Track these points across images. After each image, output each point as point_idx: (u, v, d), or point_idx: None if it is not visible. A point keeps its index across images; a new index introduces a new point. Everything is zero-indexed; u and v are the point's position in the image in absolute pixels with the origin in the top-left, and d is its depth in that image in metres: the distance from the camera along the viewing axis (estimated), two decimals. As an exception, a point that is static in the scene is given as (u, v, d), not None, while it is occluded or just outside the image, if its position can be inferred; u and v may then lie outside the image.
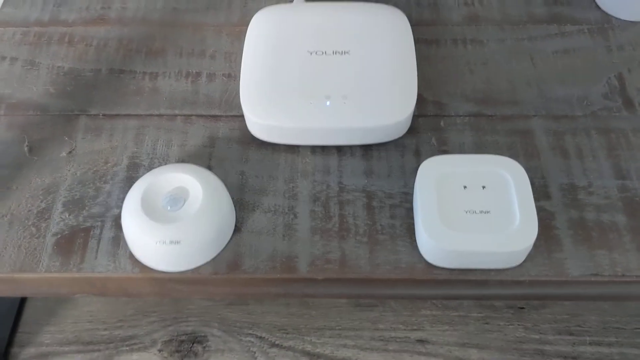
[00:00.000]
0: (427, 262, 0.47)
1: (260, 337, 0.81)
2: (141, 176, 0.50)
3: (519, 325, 0.80)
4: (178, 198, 0.47)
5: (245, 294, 0.50)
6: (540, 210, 0.49)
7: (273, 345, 0.80)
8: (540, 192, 0.51)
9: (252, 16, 0.59)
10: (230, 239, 0.49)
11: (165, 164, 0.53)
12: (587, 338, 0.78)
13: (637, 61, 0.59)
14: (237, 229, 0.49)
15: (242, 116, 0.55)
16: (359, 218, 0.50)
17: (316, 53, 0.55)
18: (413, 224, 0.49)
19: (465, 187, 0.47)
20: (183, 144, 0.55)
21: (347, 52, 0.55)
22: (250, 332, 0.81)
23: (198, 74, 0.60)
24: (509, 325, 0.80)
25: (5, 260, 0.48)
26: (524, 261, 0.47)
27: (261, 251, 0.48)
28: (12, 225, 0.50)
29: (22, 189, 0.52)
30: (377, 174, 0.52)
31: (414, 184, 0.50)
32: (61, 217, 0.50)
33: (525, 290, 0.48)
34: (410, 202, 0.51)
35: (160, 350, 0.80)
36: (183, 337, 0.81)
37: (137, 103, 0.58)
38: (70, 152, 0.54)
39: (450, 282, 0.47)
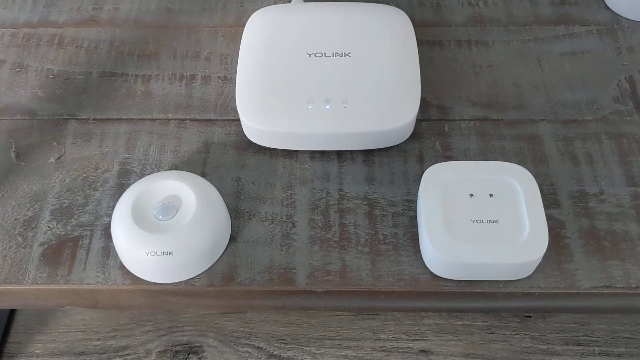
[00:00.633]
0: (431, 274, 0.46)
1: (258, 347, 0.80)
2: (132, 183, 0.49)
3: (525, 334, 0.79)
4: (170, 207, 0.46)
5: (241, 306, 0.48)
6: (549, 218, 0.48)
7: (271, 355, 0.79)
8: (550, 200, 0.49)
9: (249, 17, 0.58)
10: (225, 249, 0.47)
11: (158, 170, 0.52)
12: (596, 348, 0.77)
13: (648, 63, 0.58)
14: (232, 239, 0.48)
15: (238, 120, 0.53)
16: (360, 227, 0.48)
17: (315, 55, 0.53)
18: (417, 234, 0.48)
19: (471, 195, 0.46)
20: (176, 150, 0.53)
21: (347, 54, 0.53)
22: (247, 342, 0.80)
23: (192, 77, 0.58)
24: (515, 334, 0.79)
25: (-11, 272, 0.47)
26: (534, 272, 0.46)
27: (258, 262, 0.47)
28: (-3, 234, 0.48)
29: (9, 196, 0.51)
30: (379, 181, 0.51)
31: (417, 191, 0.48)
32: (49, 226, 0.49)
33: (534, 302, 0.46)
34: (414, 210, 0.49)
35: (154, 361, 0.78)
36: (178, 348, 0.80)
37: (128, 107, 0.56)
38: (59, 157, 0.53)
39: (456, 295, 0.46)
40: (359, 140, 0.51)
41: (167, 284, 0.46)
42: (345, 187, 0.51)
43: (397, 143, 0.52)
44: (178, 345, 0.80)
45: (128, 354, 0.79)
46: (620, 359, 0.76)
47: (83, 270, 0.47)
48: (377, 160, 0.52)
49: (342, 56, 0.53)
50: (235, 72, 0.54)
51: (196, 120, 0.55)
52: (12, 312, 0.84)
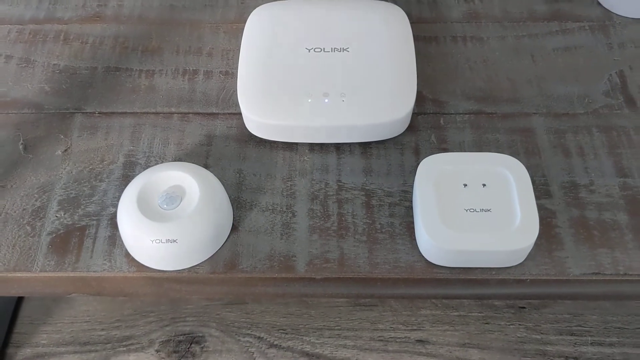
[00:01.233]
0: (426, 261, 0.47)
1: (259, 338, 0.80)
2: (137, 174, 0.49)
3: (520, 325, 0.80)
4: (174, 196, 0.46)
5: (243, 293, 0.49)
6: (541, 208, 0.49)
7: (272, 345, 0.80)
8: (541, 191, 0.50)
9: (250, 13, 0.58)
10: (228, 237, 0.48)
11: (162, 162, 0.53)
12: (589, 338, 0.78)
13: (639, 58, 0.59)
14: (234, 228, 0.49)
15: (239, 114, 0.54)
16: (357, 217, 0.49)
17: (314, 50, 0.54)
18: (413, 223, 0.48)
19: (465, 185, 0.47)
20: (180, 142, 0.54)
21: (345, 49, 0.54)
22: (248, 332, 0.81)
23: (195, 72, 0.59)
24: (510, 325, 0.80)
25: (-1, 260, 0.48)
26: (525, 260, 0.47)
27: (259, 250, 0.48)
28: (7, 224, 0.49)
29: (17, 187, 0.52)
30: (376, 172, 0.52)
31: (413, 182, 0.49)
32: (56, 216, 0.50)
33: (526, 289, 0.47)
34: (410, 200, 0.50)
35: (157, 351, 0.80)
36: (181, 338, 0.81)
37: (133, 101, 0.57)
38: (65, 150, 0.54)
39: (450, 281, 0.47)
40: (356, 133, 0.52)
41: (171, 271, 0.47)
42: (344, 178, 0.52)
43: (393, 136, 0.53)
44: (181, 335, 0.81)
45: (132, 344, 0.80)
46: (612, 348, 0.77)
47: (90, 258, 0.48)
48: (375, 153, 0.53)
49: (340, 51, 0.54)
50: (237, 67, 0.55)
51: (199, 113, 0.56)
52: (17, 304, 0.85)
